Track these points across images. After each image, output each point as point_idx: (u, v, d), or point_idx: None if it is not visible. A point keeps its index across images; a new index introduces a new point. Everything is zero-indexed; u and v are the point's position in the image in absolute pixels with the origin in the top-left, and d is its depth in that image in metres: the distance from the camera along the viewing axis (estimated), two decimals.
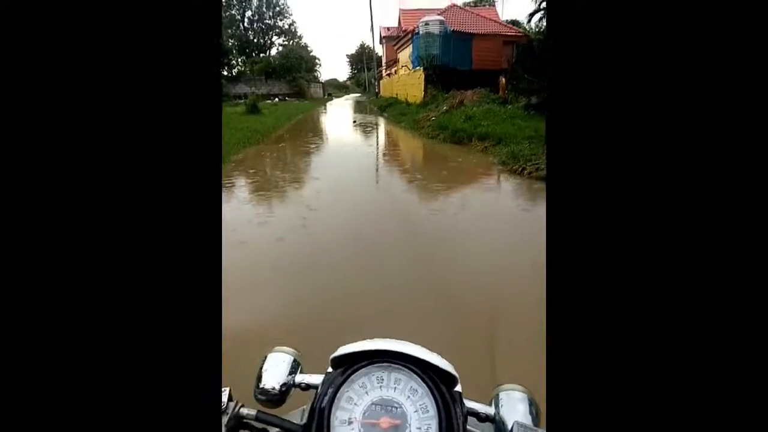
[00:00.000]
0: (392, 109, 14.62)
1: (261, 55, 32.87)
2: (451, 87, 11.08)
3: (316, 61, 40.04)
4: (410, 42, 15.21)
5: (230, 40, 34.52)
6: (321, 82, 43.74)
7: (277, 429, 0.36)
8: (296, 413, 0.42)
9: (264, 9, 35.97)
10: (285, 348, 0.41)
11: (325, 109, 21.82)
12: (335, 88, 68.24)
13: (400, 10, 25.18)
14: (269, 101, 23.56)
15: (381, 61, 31.12)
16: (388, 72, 24.87)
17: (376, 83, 29.66)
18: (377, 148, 7.45)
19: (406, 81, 15.45)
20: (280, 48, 33.86)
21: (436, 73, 12.18)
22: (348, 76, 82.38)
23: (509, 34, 13.59)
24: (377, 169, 5.57)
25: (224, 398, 0.35)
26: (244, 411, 0.36)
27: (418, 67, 13.30)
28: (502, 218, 3.29)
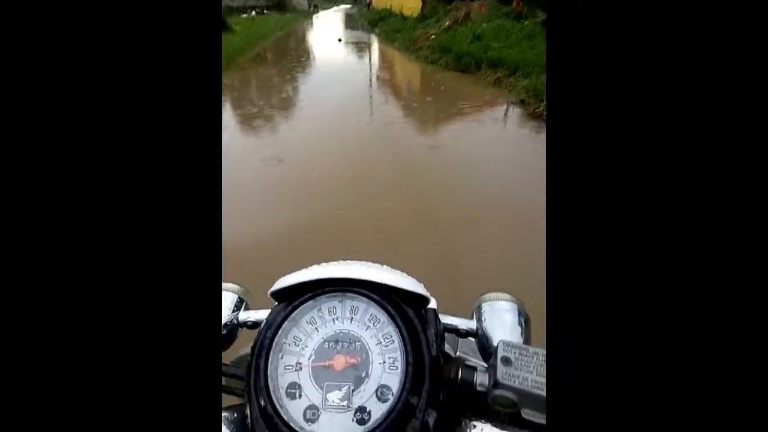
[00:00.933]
0: (384, 23, 12.55)
1: None
2: None
3: None
4: None
5: None
6: None
7: (223, 378, 0.31)
8: (242, 357, 0.36)
9: None
10: (228, 284, 0.35)
11: (308, 24, 19.10)
12: (323, 0, 61.06)
13: None
14: (245, 15, 20.64)
15: None
16: None
17: None
18: (364, 81, 6.06)
19: None
20: None
21: None
22: None
23: None
24: (357, 118, 4.26)
25: None
26: None
27: None
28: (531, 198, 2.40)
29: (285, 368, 0.26)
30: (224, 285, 0.36)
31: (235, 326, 0.34)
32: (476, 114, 3.96)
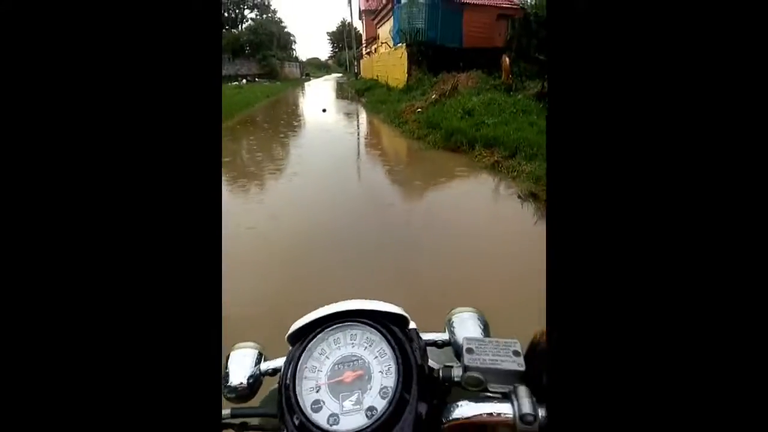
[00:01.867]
0: (371, 93, 12.51)
1: (233, 31, 29.62)
2: (440, 68, 9.07)
3: (291, 38, 36.83)
4: (391, 14, 13.01)
5: None
6: (298, 61, 40.65)
7: (257, 420, 0.37)
8: (267, 399, 0.42)
9: None
10: (245, 343, 0.42)
11: (298, 91, 19.38)
12: (315, 68, 64.70)
13: None
14: (235, 83, 21.05)
15: (362, 39, 28.59)
16: (368, 50, 22.46)
17: (356, 63, 27.19)
18: (340, 163, 5.33)
19: (387, 60, 13.29)
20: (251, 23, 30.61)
21: (422, 50, 10.05)
22: (329, 55, 78.75)
23: (504, 6, 11.54)
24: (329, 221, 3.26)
25: None
26: None
27: (399, 44, 11.19)
28: None
29: (307, 390, 0.32)
30: (243, 344, 0.41)
31: (259, 376, 0.39)
32: (483, 213, 3.17)
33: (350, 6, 26.25)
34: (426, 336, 0.38)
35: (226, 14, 32.46)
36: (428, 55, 9.98)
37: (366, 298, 0.36)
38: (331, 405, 0.30)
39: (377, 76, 15.91)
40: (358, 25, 29.26)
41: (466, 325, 0.39)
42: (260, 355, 0.40)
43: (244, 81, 22.56)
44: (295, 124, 8.40)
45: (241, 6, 33.64)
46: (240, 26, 31.01)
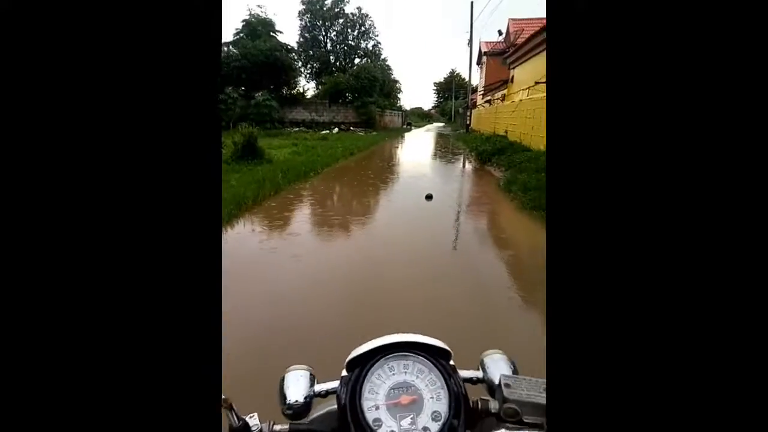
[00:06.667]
0: (509, 162, 7.51)
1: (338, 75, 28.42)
2: None
3: (397, 85, 34.71)
4: (541, 48, 8.35)
5: (311, 62, 31.13)
6: (401, 110, 38.47)
7: None
8: (318, 418, 0.46)
9: (348, 30, 32.24)
10: (298, 366, 0.45)
11: (393, 145, 15.46)
12: (418, 117, 63.37)
13: (510, 20, 18.65)
14: (325, 131, 18.24)
15: (477, 87, 24.61)
16: (487, 99, 18.12)
17: (467, 113, 22.95)
18: None
19: (532, 109, 8.43)
20: None
21: None
22: (433, 105, 78.11)
23: None
24: None
25: (255, 422, 0.39)
26: (278, 427, 0.40)
27: None
28: None
29: (368, 409, 0.36)
30: (297, 366, 0.44)
31: (313, 396, 0.42)
32: None
33: (470, 47, 22.45)
34: (462, 372, 0.42)
35: (337, 63, 31.91)
36: None
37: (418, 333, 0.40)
38: (389, 423, 0.35)
39: (506, 131, 11.12)
40: (474, 72, 25.58)
41: (499, 365, 0.43)
42: (313, 376, 0.43)
43: (336, 129, 19.80)
44: (365, 230, 3.84)
45: (352, 55, 32.94)
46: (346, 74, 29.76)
